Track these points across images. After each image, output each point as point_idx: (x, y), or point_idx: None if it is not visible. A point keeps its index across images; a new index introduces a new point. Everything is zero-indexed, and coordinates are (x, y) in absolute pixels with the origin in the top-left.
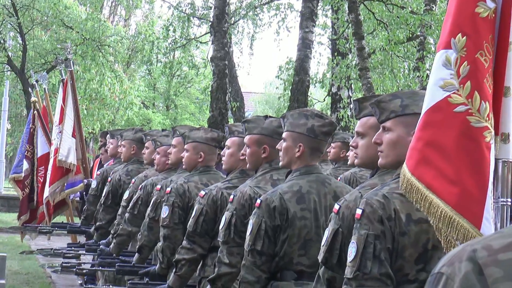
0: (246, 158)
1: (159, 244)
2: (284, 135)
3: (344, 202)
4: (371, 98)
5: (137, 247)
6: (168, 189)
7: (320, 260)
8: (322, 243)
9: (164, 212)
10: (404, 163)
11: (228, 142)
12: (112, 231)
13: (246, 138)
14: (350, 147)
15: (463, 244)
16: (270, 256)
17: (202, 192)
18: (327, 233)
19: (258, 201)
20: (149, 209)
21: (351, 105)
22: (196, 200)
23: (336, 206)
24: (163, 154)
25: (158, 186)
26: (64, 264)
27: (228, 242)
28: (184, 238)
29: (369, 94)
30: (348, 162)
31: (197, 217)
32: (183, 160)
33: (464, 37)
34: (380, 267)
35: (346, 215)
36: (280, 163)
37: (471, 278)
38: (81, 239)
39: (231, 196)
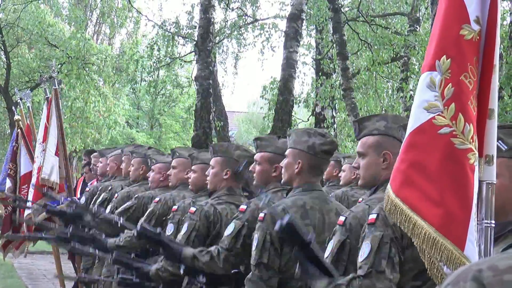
0: (255, 174)
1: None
2: (287, 152)
3: (350, 214)
4: (370, 118)
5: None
6: (175, 207)
7: None
8: (326, 255)
9: (169, 229)
10: (388, 184)
11: (212, 162)
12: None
13: (258, 155)
14: (353, 168)
15: (470, 264)
16: (276, 270)
17: (193, 209)
18: (331, 245)
19: (261, 215)
20: (142, 218)
21: (335, 125)
22: (186, 216)
23: (342, 218)
24: (157, 171)
25: (157, 199)
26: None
27: (231, 250)
28: None
29: (354, 114)
30: (341, 182)
31: (189, 233)
32: (190, 180)
33: (449, 59)
34: (393, 270)
35: (354, 225)
36: (282, 180)
37: None
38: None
39: (243, 206)
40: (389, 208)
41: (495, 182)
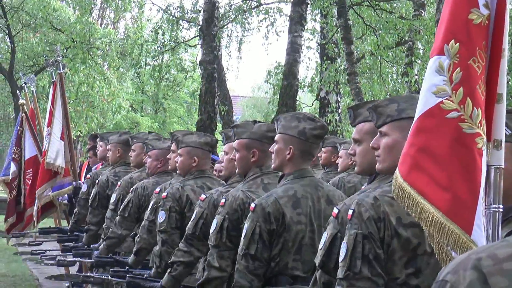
0: (236, 162)
1: (156, 248)
2: (276, 137)
3: (343, 206)
4: (365, 105)
5: (134, 249)
6: (164, 194)
7: (317, 264)
8: (320, 246)
9: (161, 217)
10: (397, 168)
11: (225, 148)
12: (102, 235)
13: (236, 143)
14: (349, 155)
15: (469, 252)
16: (263, 261)
17: (203, 196)
18: (325, 237)
19: (253, 205)
20: (148, 212)
21: (339, 110)
22: (196, 203)
23: (335, 210)
24: (154, 158)
25: (157, 189)
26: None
27: (219, 246)
28: (182, 240)
29: (358, 99)
30: (339, 169)
31: (197, 220)
32: (177, 165)
33: (457, 44)
34: (370, 267)
35: (345, 219)
36: (272, 166)
37: (475, 287)
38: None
39: (222, 200)
40: (397, 193)
41: (503, 167)
